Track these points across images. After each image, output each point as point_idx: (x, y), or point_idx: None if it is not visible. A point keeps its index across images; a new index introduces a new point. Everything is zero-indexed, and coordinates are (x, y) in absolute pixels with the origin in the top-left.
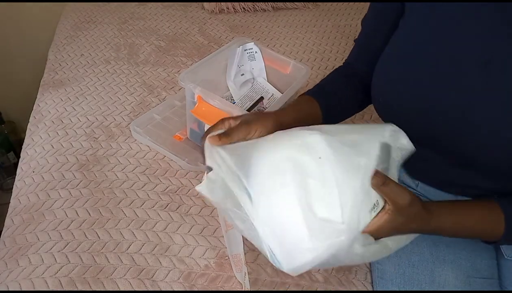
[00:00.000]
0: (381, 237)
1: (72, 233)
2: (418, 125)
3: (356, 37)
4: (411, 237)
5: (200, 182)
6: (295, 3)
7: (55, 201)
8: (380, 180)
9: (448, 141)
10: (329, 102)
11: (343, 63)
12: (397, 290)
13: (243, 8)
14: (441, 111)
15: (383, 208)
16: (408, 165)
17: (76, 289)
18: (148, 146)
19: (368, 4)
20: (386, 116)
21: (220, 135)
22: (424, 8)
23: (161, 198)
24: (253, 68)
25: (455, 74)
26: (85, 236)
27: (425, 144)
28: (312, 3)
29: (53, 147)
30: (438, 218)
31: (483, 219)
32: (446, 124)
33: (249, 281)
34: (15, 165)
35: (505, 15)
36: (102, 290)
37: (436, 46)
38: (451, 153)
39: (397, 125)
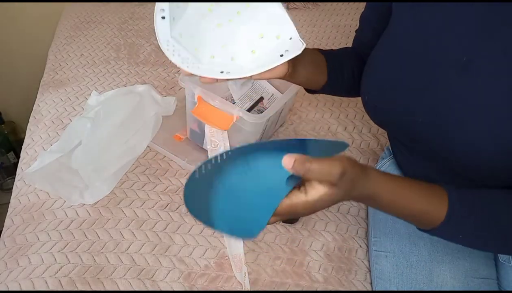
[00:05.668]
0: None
1: (72, 233)
2: (402, 127)
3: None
4: None
5: None
6: (295, 3)
7: (55, 201)
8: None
9: (429, 145)
10: (333, 64)
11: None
12: (396, 290)
13: None
14: (421, 113)
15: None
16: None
17: (76, 289)
18: (148, 146)
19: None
20: (373, 115)
21: None
22: (408, 9)
23: (161, 198)
24: None
25: (435, 76)
26: (85, 236)
27: (409, 146)
28: (312, 3)
29: None
30: (376, 180)
31: (425, 198)
32: (426, 127)
33: (249, 281)
34: (15, 165)
35: (486, 17)
36: (102, 290)
37: (418, 47)
38: (434, 156)
39: (384, 124)
